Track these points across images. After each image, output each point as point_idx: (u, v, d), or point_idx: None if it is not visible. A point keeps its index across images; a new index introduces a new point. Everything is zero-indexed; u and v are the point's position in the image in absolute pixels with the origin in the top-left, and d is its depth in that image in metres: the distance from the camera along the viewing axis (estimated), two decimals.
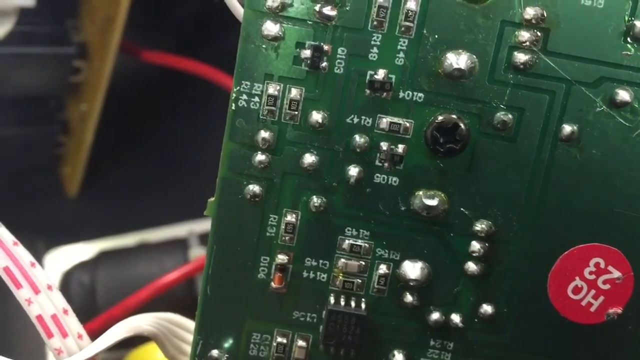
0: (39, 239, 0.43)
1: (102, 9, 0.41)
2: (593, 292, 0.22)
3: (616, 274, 0.22)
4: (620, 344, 0.23)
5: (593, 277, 0.22)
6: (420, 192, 0.22)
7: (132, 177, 0.48)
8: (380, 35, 0.21)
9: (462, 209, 0.22)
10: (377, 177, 0.22)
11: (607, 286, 0.22)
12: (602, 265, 0.22)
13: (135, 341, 0.29)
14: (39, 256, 0.41)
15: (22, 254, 0.22)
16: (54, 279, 0.39)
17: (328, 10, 0.21)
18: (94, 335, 0.23)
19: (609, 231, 0.22)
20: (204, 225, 0.42)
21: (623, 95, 0.21)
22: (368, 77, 0.21)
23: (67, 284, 0.39)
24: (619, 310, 0.22)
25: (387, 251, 0.22)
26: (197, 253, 0.39)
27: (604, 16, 0.21)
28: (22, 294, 0.22)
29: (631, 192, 0.22)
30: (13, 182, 0.46)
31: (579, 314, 0.22)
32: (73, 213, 0.46)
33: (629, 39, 0.21)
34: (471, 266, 0.22)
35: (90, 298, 0.38)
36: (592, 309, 0.22)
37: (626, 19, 0.21)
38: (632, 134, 0.22)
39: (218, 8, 0.24)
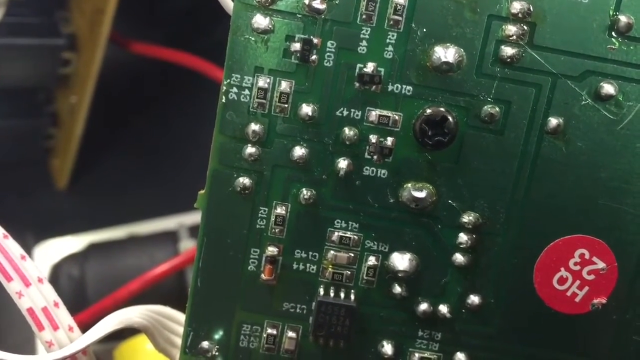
0: (28, 231, 0.42)
1: (92, 1, 0.40)
2: (578, 282, 0.23)
3: (600, 264, 0.22)
4: (605, 333, 0.23)
5: (578, 267, 0.22)
6: (409, 184, 0.22)
7: (122, 169, 0.48)
8: (369, 29, 0.21)
9: (449, 201, 0.22)
10: (366, 169, 0.22)
11: (591, 277, 0.22)
12: (587, 256, 0.22)
13: (125, 333, 0.29)
14: (28, 249, 0.41)
15: (12, 246, 0.22)
16: (44, 271, 0.39)
17: (317, 4, 0.21)
18: (83, 326, 0.23)
19: (593, 223, 0.22)
20: (193, 217, 0.42)
21: (608, 88, 0.21)
22: (357, 70, 0.22)
23: (57, 277, 0.39)
24: (604, 300, 0.23)
25: (375, 243, 0.23)
26: (187, 245, 0.40)
27: (590, 10, 0.21)
28: (13, 287, 0.22)
29: (616, 184, 0.22)
30: (2, 175, 0.45)
31: (564, 304, 0.23)
32: (62, 205, 0.46)
33: (613, 33, 0.21)
34: (459, 257, 0.23)
35: (80, 291, 0.38)
36: (577, 299, 0.23)
37: (611, 13, 0.21)
38: (617, 127, 0.22)
39: (208, 0, 0.24)
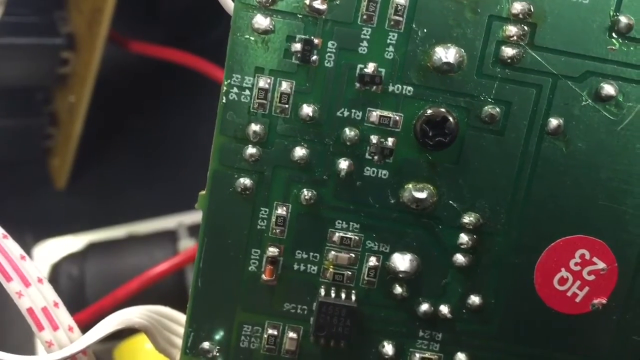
0: (27, 231, 0.42)
1: (90, 0, 0.40)
2: (578, 282, 0.23)
3: (601, 265, 0.22)
4: (605, 333, 0.23)
5: (578, 268, 0.23)
6: (410, 185, 0.22)
7: (121, 169, 0.48)
8: (370, 29, 0.21)
9: (450, 201, 0.22)
10: (367, 170, 0.22)
11: (592, 277, 0.23)
12: (587, 257, 0.22)
13: (123, 332, 0.29)
14: (27, 249, 0.41)
15: (12, 247, 0.22)
16: (43, 271, 0.39)
17: (318, 4, 0.21)
18: (83, 326, 0.23)
19: (594, 223, 0.22)
20: (193, 217, 0.42)
21: (608, 89, 0.21)
22: (358, 71, 0.22)
23: (56, 277, 0.38)
24: (604, 301, 0.23)
25: (376, 243, 0.23)
26: (187, 245, 0.40)
27: (590, 11, 0.21)
28: (13, 287, 0.22)
29: (615, 184, 0.22)
30: (1, 174, 0.45)
31: (565, 304, 0.23)
32: (61, 205, 0.46)
33: (613, 34, 0.21)
34: (459, 258, 0.23)
35: (79, 290, 0.38)
36: (578, 300, 0.23)
37: (611, 14, 0.21)
38: (617, 128, 0.22)
39: (208, 0, 0.24)
